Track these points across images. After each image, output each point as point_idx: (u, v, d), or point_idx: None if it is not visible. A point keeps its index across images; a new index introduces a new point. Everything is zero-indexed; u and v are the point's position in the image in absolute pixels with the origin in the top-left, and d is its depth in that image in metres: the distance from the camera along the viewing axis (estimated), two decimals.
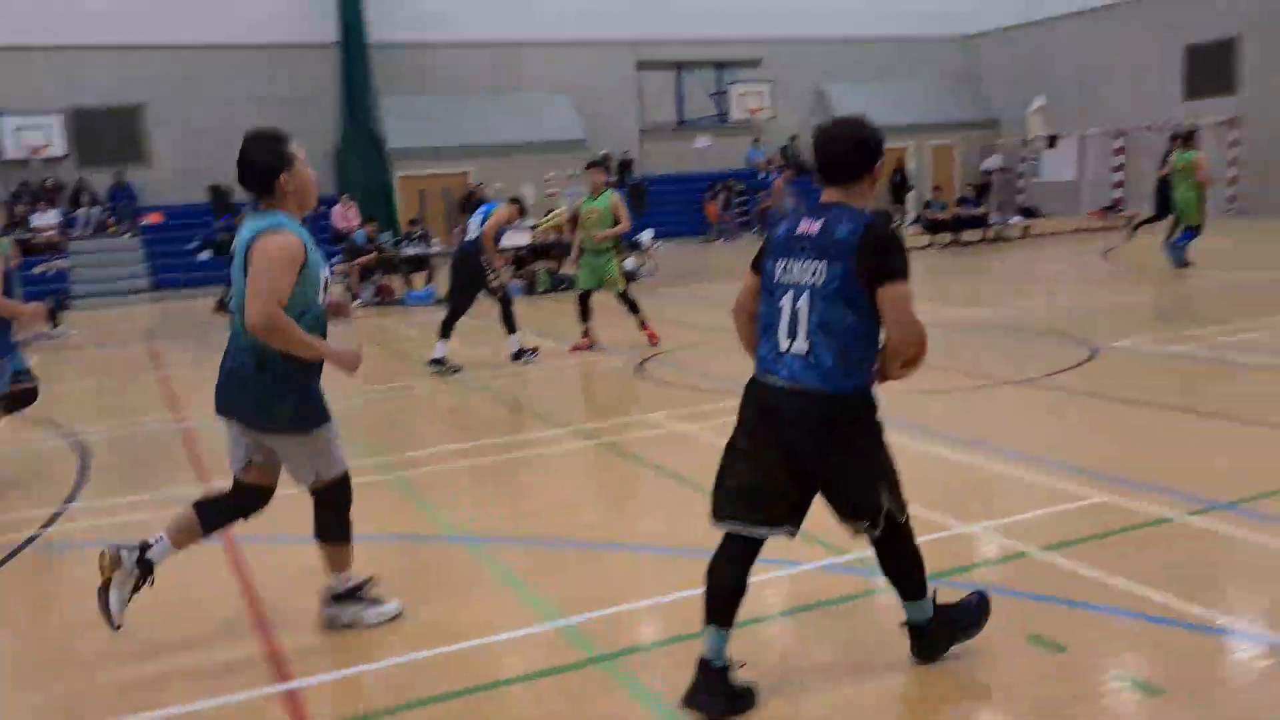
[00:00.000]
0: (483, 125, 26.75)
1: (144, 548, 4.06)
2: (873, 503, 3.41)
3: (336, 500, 4.17)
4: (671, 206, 28.17)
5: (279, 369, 3.91)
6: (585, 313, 10.85)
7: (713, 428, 6.61)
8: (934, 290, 14.71)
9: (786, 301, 3.41)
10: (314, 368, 4.02)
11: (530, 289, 17.54)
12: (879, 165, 3.48)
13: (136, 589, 4.04)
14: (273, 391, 3.94)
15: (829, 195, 3.49)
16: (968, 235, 21.84)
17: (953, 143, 32.16)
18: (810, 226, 3.42)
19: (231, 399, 4.02)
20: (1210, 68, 26.06)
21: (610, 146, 27.00)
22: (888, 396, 3.58)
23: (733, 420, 3.58)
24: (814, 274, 3.36)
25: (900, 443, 3.74)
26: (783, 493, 3.40)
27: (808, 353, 3.35)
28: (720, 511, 3.47)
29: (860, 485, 3.42)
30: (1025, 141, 29.96)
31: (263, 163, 3.92)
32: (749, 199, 28.90)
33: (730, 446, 3.52)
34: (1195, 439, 6.39)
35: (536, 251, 18.39)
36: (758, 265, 3.59)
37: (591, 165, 11.27)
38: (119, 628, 4.01)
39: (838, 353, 3.33)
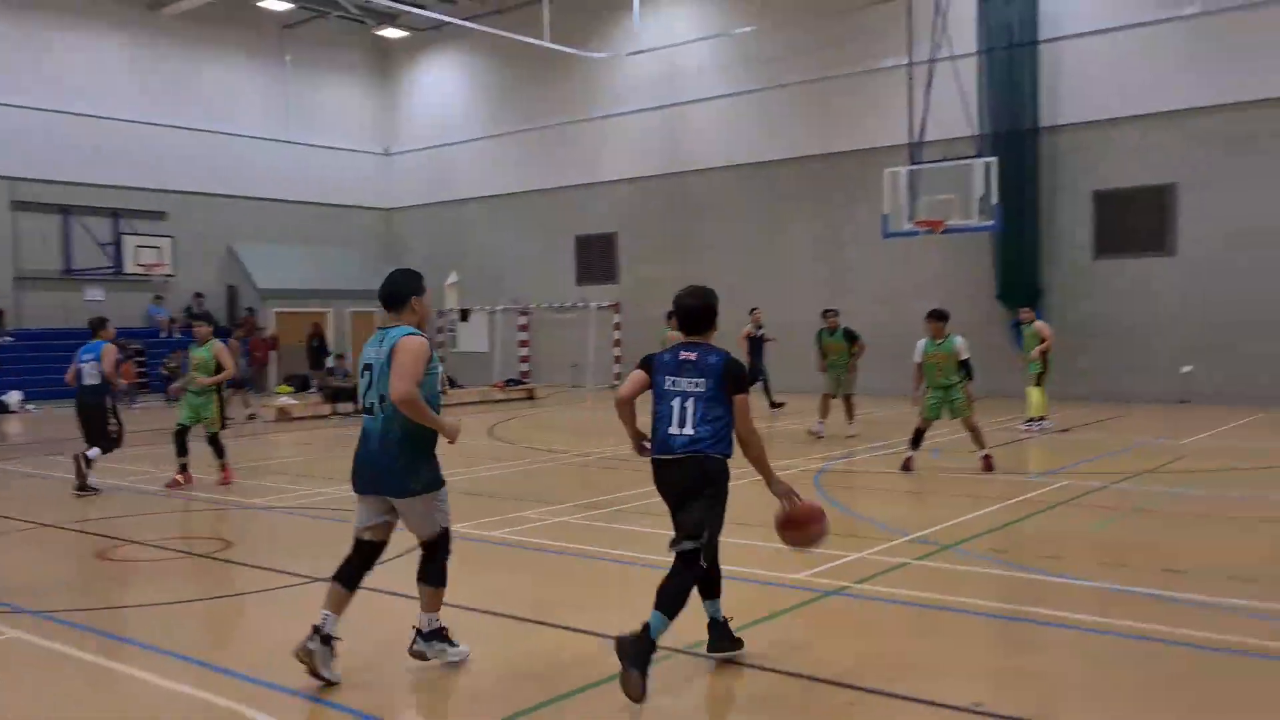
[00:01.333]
0: None
1: (317, 630, 5.16)
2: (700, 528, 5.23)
3: (444, 549, 5.43)
4: (57, 364, 24.69)
5: (417, 443, 5.24)
6: (182, 449, 11.83)
7: None
8: (329, 469, 13.98)
9: (675, 403, 5.27)
10: (434, 440, 5.32)
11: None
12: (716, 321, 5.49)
13: (333, 653, 5.17)
14: (412, 462, 5.24)
15: (691, 339, 5.43)
16: None
17: (374, 311, 32.41)
18: (690, 355, 5.31)
19: (374, 477, 5.30)
20: (596, 257, 29.13)
21: None
22: None
23: None
24: (695, 385, 5.25)
25: None
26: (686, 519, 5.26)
27: (693, 434, 5.23)
28: (673, 544, 5.22)
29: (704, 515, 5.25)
30: (441, 313, 31.07)
31: (408, 287, 5.46)
32: (150, 359, 26.32)
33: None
34: None
35: None
36: (647, 370, 5.44)
37: (197, 317, 13.16)
38: (338, 682, 5.16)
39: (713, 433, 5.22)
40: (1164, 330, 20.34)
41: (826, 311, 16.11)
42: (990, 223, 18.26)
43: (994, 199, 18.18)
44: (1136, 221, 20.86)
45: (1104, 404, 19.35)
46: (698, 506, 5.18)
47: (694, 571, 5.16)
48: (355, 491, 5.40)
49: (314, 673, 5.12)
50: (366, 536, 5.39)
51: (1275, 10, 19.09)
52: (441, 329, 31.82)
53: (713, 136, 26.45)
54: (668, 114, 27.22)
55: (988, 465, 11.59)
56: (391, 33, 31.81)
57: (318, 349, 28.26)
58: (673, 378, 5.31)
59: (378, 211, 33.66)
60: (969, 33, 21.13)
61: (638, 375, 5.48)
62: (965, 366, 11.69)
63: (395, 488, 5.27)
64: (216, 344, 11.94)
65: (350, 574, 5.36)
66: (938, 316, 11.61)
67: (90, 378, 11.66)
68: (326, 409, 21.25)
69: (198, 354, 11.95)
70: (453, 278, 29.02)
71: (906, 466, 11.76)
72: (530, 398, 25.54)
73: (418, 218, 33.18)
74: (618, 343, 28.51)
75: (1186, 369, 19.96)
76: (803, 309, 23.28)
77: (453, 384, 21.24)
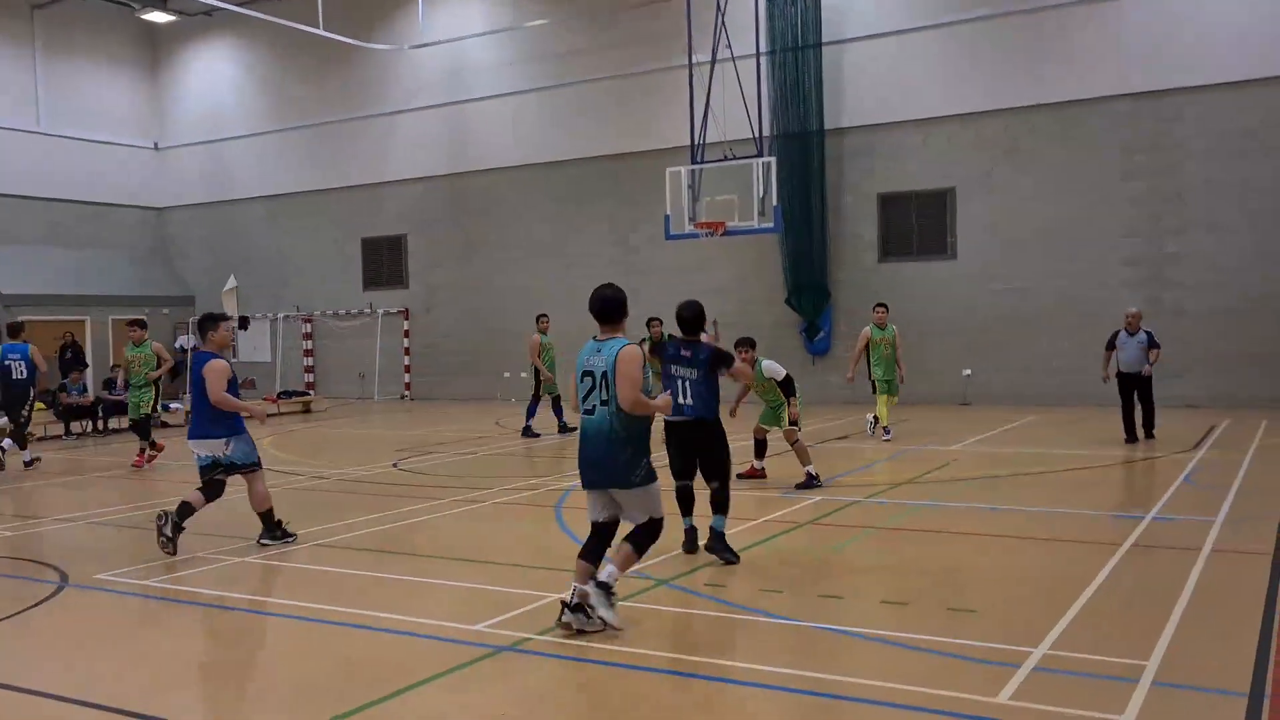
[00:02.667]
0: None
1: (565, 604, 6.05)
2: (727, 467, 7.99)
3: (656, 532, 6.33)
4: None
5: (636, 441, 6.16)
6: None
7: None
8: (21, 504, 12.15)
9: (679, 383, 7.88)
10: (649, 438, 6.31)
11: None
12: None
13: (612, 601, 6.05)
14: (633, 458, 6.13)
15: (689, 337, 7.93)
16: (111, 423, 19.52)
17: (144, 317, 29.76)
18: (686, 351, 7.93)
19: (602, 474, 6.18)
20: (384, 261, 27.51)
21: None
22: None
23: None
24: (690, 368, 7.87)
25: None
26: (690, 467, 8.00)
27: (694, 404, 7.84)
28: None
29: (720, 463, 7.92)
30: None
31: (620, 303, 6.30)
32: None
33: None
34: None
35: None
36: (659, 358, 8.18)
37: (134, 322, 15.18)
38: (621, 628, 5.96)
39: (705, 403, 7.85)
40: (946, 332, 20.39)
41: (650, 320, 15.67)
42: (770, 225, 17.77)
43: (774, 200, 17.70)
44: (919, 224, 20.89)
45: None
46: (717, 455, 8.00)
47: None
48: (584, 487, 6.31)
49: (579, 628, 5.93)
50: (603, 518, 6.31)
51: (1050, 15, 19.37)
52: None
53: (503, 135, 25.29)
54: (456, 110, 25.91)
55: (808, 482, 10.84)
56: (159, 17, 29.26)
57: (71, 360, 25.60)
58: (674, 365, 7.95)
59: (148, 211, 30.97)
60: (756, 33, 20.69)
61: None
62: (786, 386, 10.90)
63: (620, 481, 6.13)
64: (155, 344, 15.07)
65: (594, 551, 6.25)
66: (747, 344, 10.48)
67: (18, 373, 14.54)
68: (60, 428, 19.05)
69: (136, 353, 14.79)
70: (231, 283, 26.84)
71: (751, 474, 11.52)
72: (306, 411, 23.77)
73: (193, 218, 30.70)
74: (407, 351, 26.99)
75: (966, 372, 20.07)
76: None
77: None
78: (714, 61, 19.00)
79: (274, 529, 8.82)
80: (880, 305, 15.27)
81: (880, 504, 10.05)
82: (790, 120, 21.10)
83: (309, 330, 28.41)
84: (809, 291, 21.20)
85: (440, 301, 26.55)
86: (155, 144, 30.86)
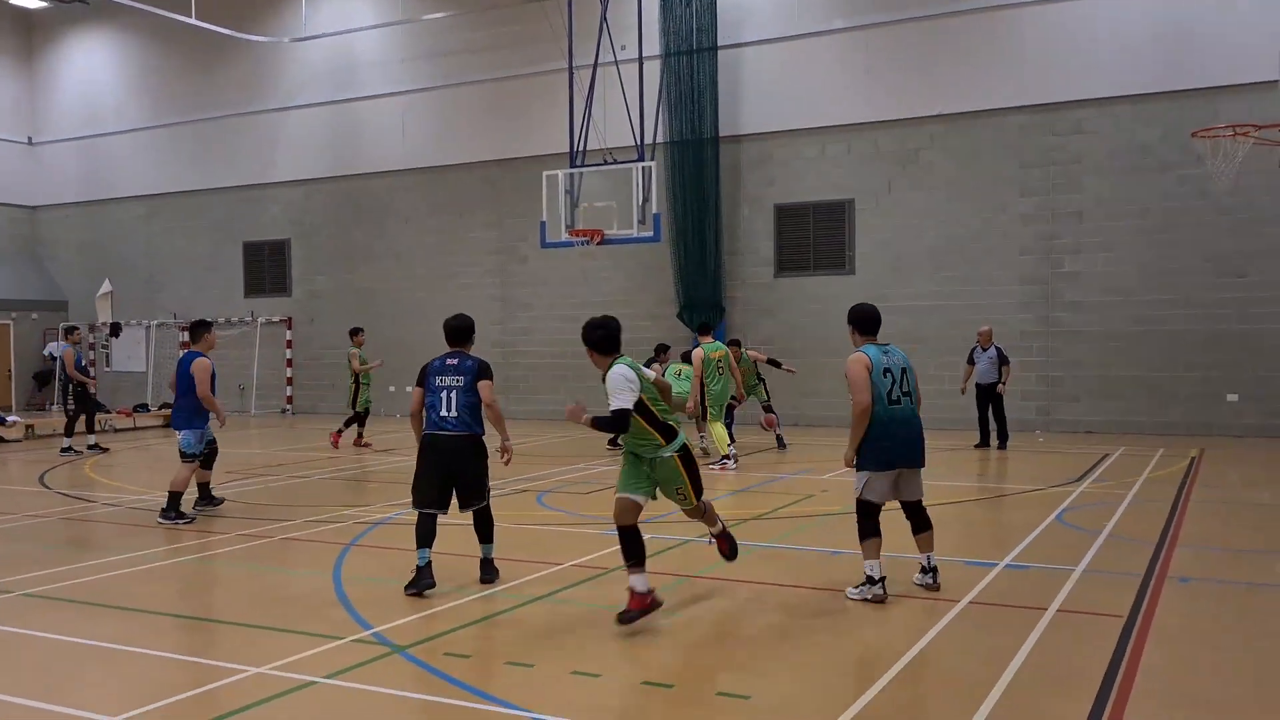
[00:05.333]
0: None
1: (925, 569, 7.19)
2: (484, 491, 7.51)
3: (926, 511, 7.31)
4: None
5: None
6: None
7: None
8: None
9: (444, 394, 7.32)
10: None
11: None
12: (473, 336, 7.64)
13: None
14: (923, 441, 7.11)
15: (453, 348, 7.54)
16: None
17: (10, 322, 27.97)
18: (452, 361, 7.42)
19: (917, 454, 7.07)
20: (266, 266, 25.98)
21: None
22: None
23: None
24: (456, 380, 7.33)
25: None
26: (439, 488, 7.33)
27: (456, 417, 7.27)
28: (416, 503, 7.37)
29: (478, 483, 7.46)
30: (92, 327, 27.07)
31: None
32: None
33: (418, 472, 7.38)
34: None
35: None
36: (422, 383, 7.43)
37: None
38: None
39: (473, 414, 7.35)
40: (842, 351, 19.34)
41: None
42: (650, 234, 16.67)
43: (654, 208, 16.61)
44: (816, 238, 19.96)
45: (784, 429, 18.12)
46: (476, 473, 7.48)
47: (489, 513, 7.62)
48: (891, 469, 6.94)
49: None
50: (888, 498, 7.06)
51: (948, 23, 18.60)
52: (93, 345, 27.79)
53: (392, 136, 23.96)
54: (343, 109, 24.54)
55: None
56: (33, 3, 27.52)
57: None
58: (439, 376, 7.39)
59: (20, 210, 29.12)
60: (649, 36, 19.60)
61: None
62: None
63: (921, 460, 7.09)
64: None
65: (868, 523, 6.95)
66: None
67: None
68: None
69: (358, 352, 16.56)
70: (106, 287, 25.24)
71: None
72: (168, 425, 22.10)
73: (67, 218, 28.90)
74: (289, 362, 25.45)
75: None
76: (481, 325, 21.16)
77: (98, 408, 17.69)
78: (596, 64, 17.92)
79: (173, 509, 10.08)
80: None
81: (707, 543, 8.89)
82: (683, 126, 20.07)
83: (186, 339, 26.69)
84: (702, 306, 20.14)
85: (324, 310, 25.09)
86: (29, 139, 29.04)
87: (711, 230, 20.13)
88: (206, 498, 10.72)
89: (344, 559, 8.45)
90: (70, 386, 17.60)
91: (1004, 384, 15.38)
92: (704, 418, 14.26)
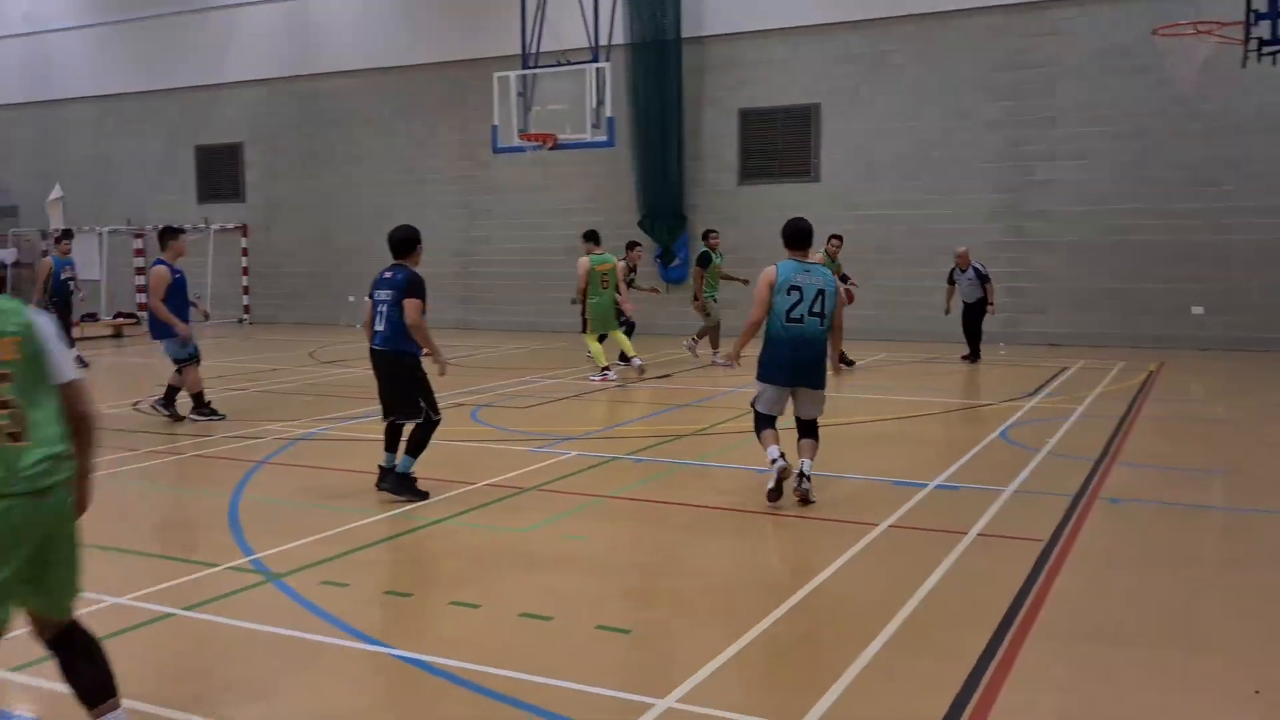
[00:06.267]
0: None
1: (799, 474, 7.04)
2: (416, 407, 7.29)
3: (816, 425, 7.32)
4: None
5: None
6: None
7: None
8: None
9: (379, 308, 7.26)
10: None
11: None
12: (418, 249, 7.47)
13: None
14: (824, 364, 7.20)
15: (396, 261, 7.36)
16: None
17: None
18: (388, 274, 7.28)
19: (809, 375, 7.12)
20: (220, 171, 25.19)
21: None
22: None
23: None
24: (387, 294, 7.23)
25: None
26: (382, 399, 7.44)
27: (383, 332, 7.24)
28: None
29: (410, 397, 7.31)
30: (44, 234, 26.28)
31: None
32: None
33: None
34: None
35: None
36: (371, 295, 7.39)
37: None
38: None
39: (397, 330, 7.19)
40: None
41: (707, 232, 15.74)
42: (604, 138, 16.03)
43: (608, 112, 15.94)
44: (782, 144, 19.32)
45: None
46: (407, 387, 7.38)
47: (430, 427, 7.42)
48: (781, 385, 7.15)
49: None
50: (777, 414, 7.25)
51: None
52: (46, 253, 27.03)
53: (349, 34, 23.00)
54: (298, 5, 23.49)
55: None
56: None
57: None
58: (378, 290, 7.39)
59: None
60: None
61: None
62: None
63: (818, 382, 7.20)
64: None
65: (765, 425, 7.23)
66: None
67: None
68: None
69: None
70: (56, 192, 24.48)
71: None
72: (118, 335, 21.66)
73: (13, 119, 27.89)
74: (245, 271, 24.84)
75: None
76: (444, 234, 20.62)
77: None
78: None
79: (203, 407, 10.46)
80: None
81: (635, 462, 8.60)
82: (645, 27, 19.25)
83: (140, 246, 26.02)
84: (664, 215, 19.58)
85: (281, 218, 24.41)
86: None
87: (674, 136, 19.47)
88: (167, 402, 10.55)
89: (250, 478, 8.10)
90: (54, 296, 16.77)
91: (992, 304, 15.20)
92: (584, 329, 13.91)
